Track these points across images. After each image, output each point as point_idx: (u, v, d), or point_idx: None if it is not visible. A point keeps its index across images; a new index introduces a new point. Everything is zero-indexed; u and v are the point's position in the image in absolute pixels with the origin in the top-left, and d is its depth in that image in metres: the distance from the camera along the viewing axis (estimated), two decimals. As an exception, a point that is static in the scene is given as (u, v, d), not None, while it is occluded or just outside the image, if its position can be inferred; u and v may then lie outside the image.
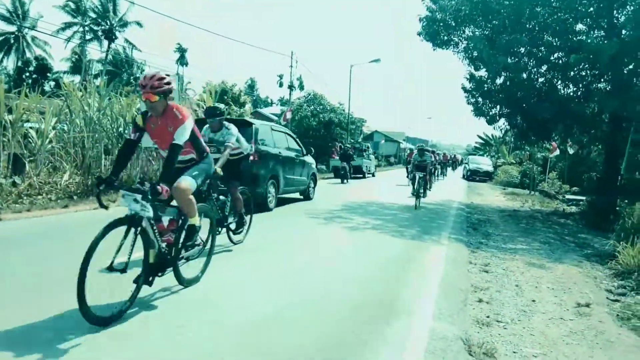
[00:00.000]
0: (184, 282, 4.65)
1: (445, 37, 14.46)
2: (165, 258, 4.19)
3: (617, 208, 12.19)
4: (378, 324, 4.24)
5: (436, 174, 20.24)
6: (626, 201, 12.19)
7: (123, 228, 3.76)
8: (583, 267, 7.29)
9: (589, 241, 9.76)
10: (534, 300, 5.37)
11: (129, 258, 3.70)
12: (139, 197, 3.75)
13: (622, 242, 7.09)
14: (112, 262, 3.62)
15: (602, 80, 13.30)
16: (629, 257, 6.67)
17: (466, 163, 38.69)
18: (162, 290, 4.57)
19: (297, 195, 13.56)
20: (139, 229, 3.82)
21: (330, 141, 31.88)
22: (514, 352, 3.91)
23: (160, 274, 4.23)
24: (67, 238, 7.09)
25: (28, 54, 42.45)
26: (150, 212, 3.86)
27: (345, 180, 22.53)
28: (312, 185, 13.90)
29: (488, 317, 4.71)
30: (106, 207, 3.93)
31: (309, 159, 13.40)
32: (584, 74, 13.30)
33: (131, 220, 3.78)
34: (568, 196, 20.36)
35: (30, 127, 12.76)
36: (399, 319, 4.40)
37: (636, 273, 6.39)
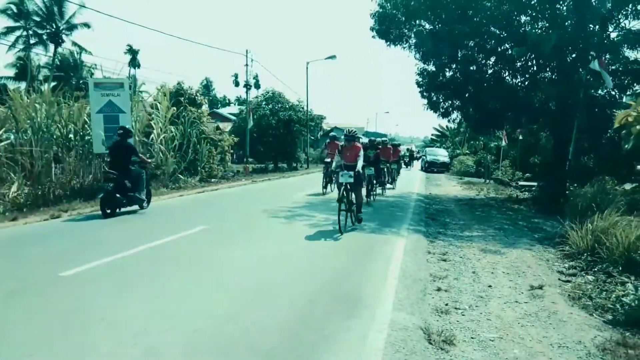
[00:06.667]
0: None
1: (397, 32, 14.64)
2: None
3: (567, 192, 12.68)
4: (339, 317, 4.25)
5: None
6: (575, 185, 12.70)
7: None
8: (536, 250, 7.55)
9: (541, 225, 10.12)
10: (490, 286, 5.53)
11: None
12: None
13: (571, 224, 7.35)
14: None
15: (547, 69, 13.80)
16: (578, 239, 6.96)
17: (423, 155, 39.46)
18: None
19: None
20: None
21: (291, 140, 31.81)
22: (472, 338, 4.01)
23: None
24: (12, 252, 6.83)
25: (-32, 61, 40.28)
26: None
27: None
28: None
29: (447, 305, 4.82)
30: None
31: None
32: (529, 64, 13.77)
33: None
34: (521, 183, 21.09)
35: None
36: (360, 312, 4.43)
37: (585, 253, 6.67)
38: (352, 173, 8.56)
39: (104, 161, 14.07)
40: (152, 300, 4.68)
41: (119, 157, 10.20)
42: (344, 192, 8.55)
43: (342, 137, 9.53)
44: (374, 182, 13.71)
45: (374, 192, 13.91)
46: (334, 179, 12.14)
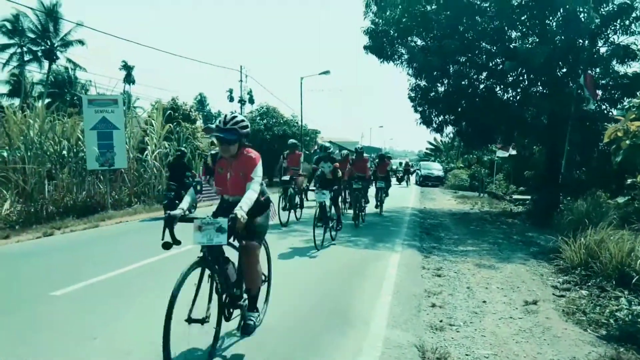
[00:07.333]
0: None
1: (390, 51, 14.79)
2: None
3: (560, 205, 12.71)
4: (333, 335, 4.23)
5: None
6: (569, 198, 12.75)
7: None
8: (530, 265, 7.56)
9: (535, 239, 10.12)
10: (484, 301, 5.51)
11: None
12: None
13: (565, 238, 7.35)
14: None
15: (538, 84, 13.96)
16: (572, 253, 6.96)
17: (418, 169, 39.52)
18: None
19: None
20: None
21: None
22: (467, 355, 3.98)
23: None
24: (3, 271, 6.76)
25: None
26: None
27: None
28: None
29: (441, 321, 4.80)
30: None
31: None
32: (521, 78, 13.92)
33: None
34: (515, 196, 21.13)
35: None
36: (354, 329, 4.41)
37: (579, 268, 6.67)
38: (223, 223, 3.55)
39: (98, 177, 14.10)
40: (146, 317, 4.62)
41: (176, 172, 12.21)
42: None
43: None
44: (327, 212, 8.69)
45: (333, 227, 9.17)
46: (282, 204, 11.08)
